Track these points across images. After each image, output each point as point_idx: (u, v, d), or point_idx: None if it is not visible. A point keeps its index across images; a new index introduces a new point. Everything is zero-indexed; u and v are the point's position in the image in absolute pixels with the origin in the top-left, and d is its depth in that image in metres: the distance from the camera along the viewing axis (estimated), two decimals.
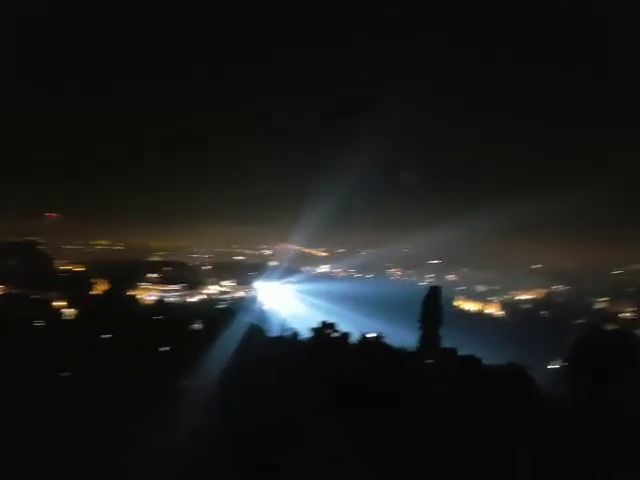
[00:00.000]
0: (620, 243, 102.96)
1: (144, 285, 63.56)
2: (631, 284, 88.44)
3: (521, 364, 18.57)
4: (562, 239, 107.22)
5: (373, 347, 23.66)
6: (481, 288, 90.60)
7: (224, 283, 75.50)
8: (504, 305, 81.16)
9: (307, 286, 69.64)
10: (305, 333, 25.14)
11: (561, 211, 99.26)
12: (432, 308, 33.53)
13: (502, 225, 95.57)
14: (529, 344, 44.03)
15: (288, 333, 25.61)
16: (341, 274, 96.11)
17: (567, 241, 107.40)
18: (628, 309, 74.72)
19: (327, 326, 24.98)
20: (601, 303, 78.39)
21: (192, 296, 66.29)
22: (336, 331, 24.76)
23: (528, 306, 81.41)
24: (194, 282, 70.70)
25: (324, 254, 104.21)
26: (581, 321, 59.98)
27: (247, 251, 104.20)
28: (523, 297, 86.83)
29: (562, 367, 10.85)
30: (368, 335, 26.76)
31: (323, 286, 70.03)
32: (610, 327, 62.20)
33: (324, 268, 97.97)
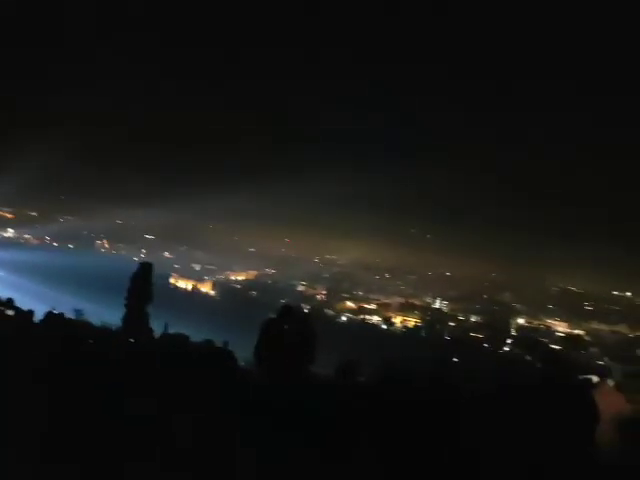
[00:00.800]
0: (325, 234, 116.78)
1: None
2: (325, 271, 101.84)
3: (219, 342, 18.82)
4: (277, 227, 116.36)
5: (65, 325, 20.78)
6: (197, 267, 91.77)
7: None
8: (216, 284, 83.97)
9: None
10: None
11: (276, 201, 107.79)
12: (141, 285, 31.76)
13: (222, 208, 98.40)
14: (235, 321, 46.12)
15: None
16: (32, 241, 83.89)
17: (280, 229, 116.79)
18: (321, 292, 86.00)
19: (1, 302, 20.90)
20: (302, 286, 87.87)
21: None
22: (15, 308, 20.89)
23: (238, 286, 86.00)
24: None
25: (9, 216, 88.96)
26: (284, 301, 66.00)
27: None
28: (236, 277, 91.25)
29: (257, 344, 11.26)
30: (59, 312, 23.55)
31: (6, 255, 59.70)
32: (305, 306, 70.70)
33: (9, 233, 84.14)
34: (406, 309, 77.78)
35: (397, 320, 74.00)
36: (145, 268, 33.02)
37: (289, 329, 10.25)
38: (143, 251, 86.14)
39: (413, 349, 49.36)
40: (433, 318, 74.58)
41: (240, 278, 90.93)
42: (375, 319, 74.22)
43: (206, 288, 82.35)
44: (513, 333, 72.87)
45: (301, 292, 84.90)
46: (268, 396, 10.10)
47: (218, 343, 22.17)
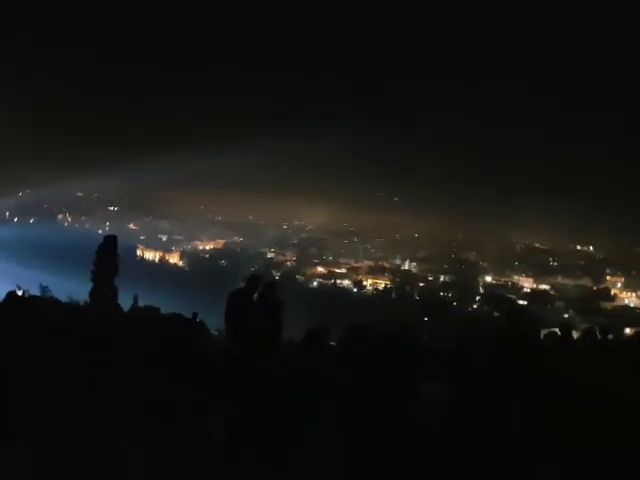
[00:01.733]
0: (292, 200, 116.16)
1: None
2: (294, 237, 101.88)
3: (189, 313, 18.72)
4: (243, 195, 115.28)
5: (24, 304, 20.10)
6: (164, 238, 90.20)
7: None
8: (184, 255, 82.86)
9: None
10: None
11: (240, 168, 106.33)
12: (107, 258, 31.08)
13: (186, 176, 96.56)
14: (205, 291, 45.73)
15: None
16: None
17: (247, 196, 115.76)
18: (291, 258, 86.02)
19: None
20: (271, 253, 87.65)
21: None
22: None
23: (207, 256, 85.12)
24: None
25: None
26: (253, 269, 65.86)
27: None
28: (204, 247, 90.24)
29: (225, 314, 11.09)
30: (24, 289, 22.88)
31: None
32: (276, 273, 70.85)
33: None
34: (376, 272, 78.51)
35: (367, 283, 74.79)
36: (110, 241, 32.28)
37: (257, 298, 10.09)
38: (107, 223, 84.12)
39: (384, 311, 50.16)
40: (402, 280, 75.63)
41: (208, 247, 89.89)
42: (346, 283, 74.80)
43: (174, 259, 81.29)
44: (481, 291, 74.55)
45: (271, 259, 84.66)
46: (235, 364, 10.13)
47: (188, 314, 22.00)
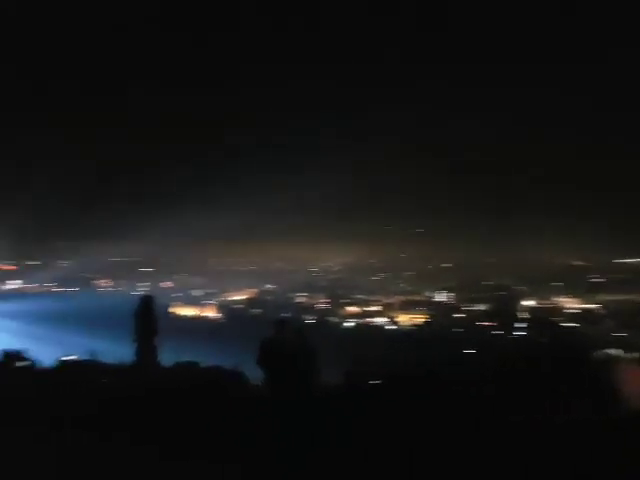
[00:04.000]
0: (316, 243, 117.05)
1: None
2: (323, 279, 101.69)
3: (229, 365, 19.11)
4: (271, 242, 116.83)
5: (73, 369, 20.89)
6: (197, 292, 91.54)
7: None
8: (219, 307, 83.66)
9: None
10: None
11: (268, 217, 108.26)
12: (145, 319, 31.97)
13: (214, 229, 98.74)
14: (243, 342, 45.85)
15: None
16: (37, 289, 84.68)
17: (275, 243, 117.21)
18: (322, 300, 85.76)
19: (11, 355, 20.92)
20: (301, 297, 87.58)
21: None
22: (25, 359, 20.98)
23: (241, 306, 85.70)
24: None
25: (11, 268, 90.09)
26: (286, 315, 65.90)
27: None
28: (237, 298, 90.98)
29: (258, 363, 11.08)
30: (67, 358, 23.72)
31: (14, 306, 60.07)
32: (309, 318, 70.72)
33: (13, 284, 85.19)
34: (409, 307, 77.43)
35: (402, 319, 73.71)
36: (146, 301, 33.27)
37: (287, 344, 10.36)
38: (142, 284, 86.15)
39: (422, 347, 49.47)
40: (438, 312, 74.31)
41: (242, 298, 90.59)
42: (380, 321, 73.84)
43: (210, 312, 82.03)
44: (522, 316, 72.37)
45: (301, 303, 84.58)
46: (275, 410, 10.57)
47: (228, 366, 22.43)
